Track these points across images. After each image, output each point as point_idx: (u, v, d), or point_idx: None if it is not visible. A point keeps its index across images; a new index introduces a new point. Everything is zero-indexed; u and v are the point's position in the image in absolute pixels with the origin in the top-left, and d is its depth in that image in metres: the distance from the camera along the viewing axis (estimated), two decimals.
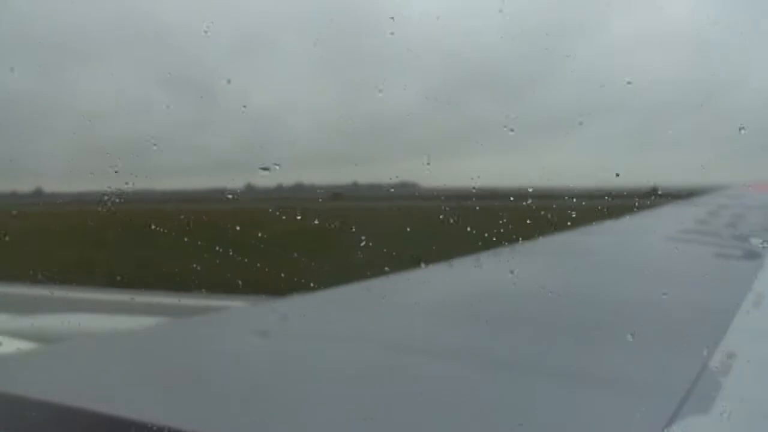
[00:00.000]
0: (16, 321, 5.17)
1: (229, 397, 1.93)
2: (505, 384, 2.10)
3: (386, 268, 3.84)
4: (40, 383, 2.07)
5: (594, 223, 6.93)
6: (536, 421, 1.81)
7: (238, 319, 3.37)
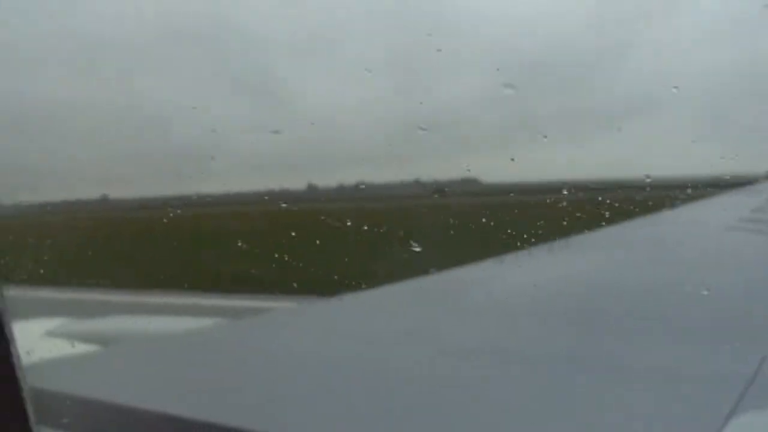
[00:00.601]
0: (78, 324, 5.33)
1: (285, 397, 1.91)
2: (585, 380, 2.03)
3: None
4: (101, 384, 2.09)
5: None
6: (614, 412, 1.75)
7: (291, 320, 3.36)
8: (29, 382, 1.23)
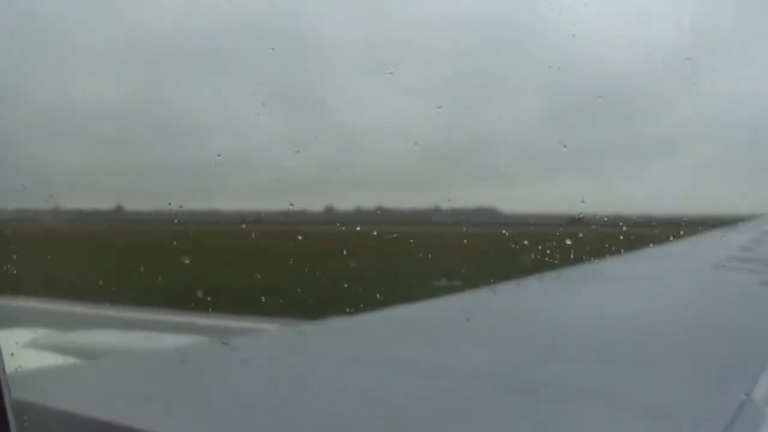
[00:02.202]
0: (60, 336, 5.27)
1: (268, 418, 1.90)
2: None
3: None
4: (82, 398, 2.08)
5: None
6: None
7: (270, 342, 3.35)
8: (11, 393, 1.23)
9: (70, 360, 4.07)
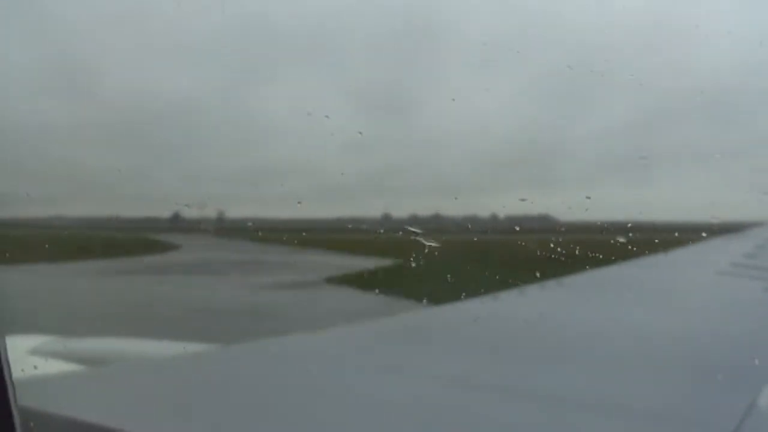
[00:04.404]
0: (65, 343, 5.27)
1: (274, 426, 1.90)
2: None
3: None
4: (87, 404, 2.07)
5: None
6: None
7: (275, 348, 3.34)
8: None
9: (75, 366, 4.07)
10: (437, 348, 3.14)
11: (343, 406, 2.14)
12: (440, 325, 3.81)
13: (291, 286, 18.11)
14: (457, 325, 3.79)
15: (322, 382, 2.43)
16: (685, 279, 6.40)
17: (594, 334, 3.45)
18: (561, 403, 2.17)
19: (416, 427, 1.95)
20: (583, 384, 2.44)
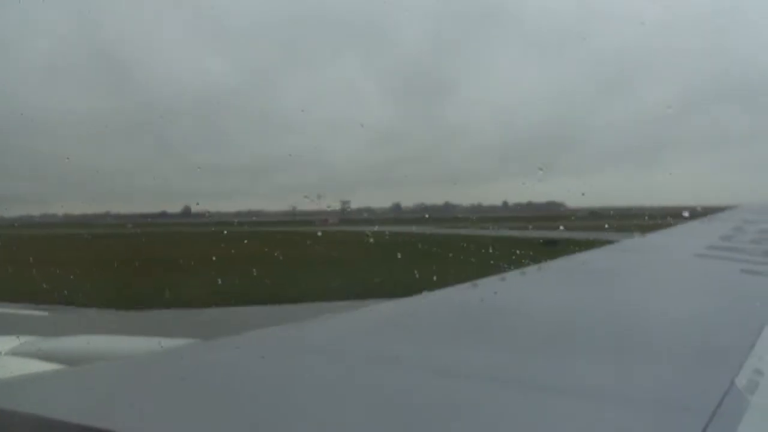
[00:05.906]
0: (43, 342, 5.19)
1: (259, 421, 1.88)
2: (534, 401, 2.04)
3: None
4: (65, 404, 2.04)
5: None
6: None
7: (259, 341, 3.31)
8: None
9: (53, 366, 4.00)
10: (425, 336, 3.13)
11: (328, 396, 2.12)
12: (428, 312, 3.80)
13: None
14: (444, 312, 3.80)
15: (307, 373, 2.42)
16: (664, 261, 6.50)
17: (571, 319, 3.46)
18: (541, 390, 2.18)
19: (402, 416, 1.94)
20: (561, 369, 2.45)
